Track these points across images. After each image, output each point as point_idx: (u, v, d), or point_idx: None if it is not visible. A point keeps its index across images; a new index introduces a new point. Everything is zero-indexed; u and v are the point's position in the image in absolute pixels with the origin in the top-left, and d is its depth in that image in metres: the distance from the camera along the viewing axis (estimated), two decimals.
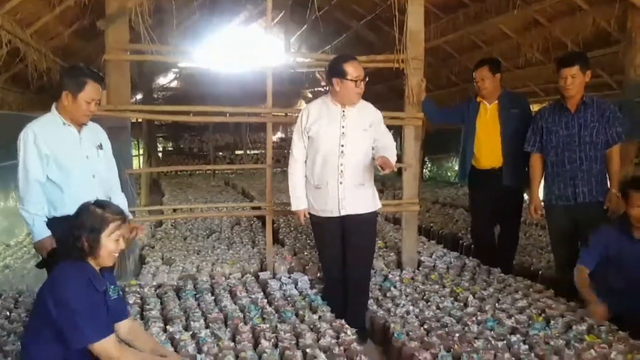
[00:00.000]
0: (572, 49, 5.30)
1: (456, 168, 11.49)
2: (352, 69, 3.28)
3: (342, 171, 3.35)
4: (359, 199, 3.40)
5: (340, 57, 3.42)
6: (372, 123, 3.42)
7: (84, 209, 2.23)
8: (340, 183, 3.35)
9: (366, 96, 3.54)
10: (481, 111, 4.38)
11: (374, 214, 3.54)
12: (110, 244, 2.21)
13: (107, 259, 2.24)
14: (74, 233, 2.16)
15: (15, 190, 5.83)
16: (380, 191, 8.16)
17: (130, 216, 3.18)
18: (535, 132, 3.86)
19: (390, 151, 3.39)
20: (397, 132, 5.26)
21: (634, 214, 3.23)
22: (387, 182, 10.27)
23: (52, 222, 2.84)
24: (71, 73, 2.86)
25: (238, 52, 5.80)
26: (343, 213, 3.38)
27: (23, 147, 2.79)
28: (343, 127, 3.35)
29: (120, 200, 3.10)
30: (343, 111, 3.37)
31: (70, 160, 2.88)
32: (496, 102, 4.32)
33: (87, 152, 2.96)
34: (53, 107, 2.90)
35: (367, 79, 3.34)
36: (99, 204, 2.30)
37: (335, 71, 3.32)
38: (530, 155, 3.93)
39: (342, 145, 3.34)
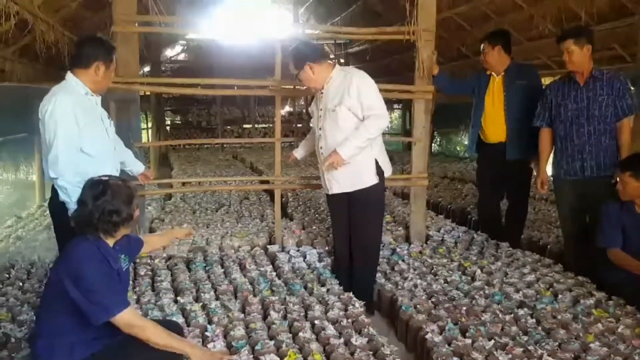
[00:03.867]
0: (586, 21, 5.20)
1: (465, 142, 11.42)
2: None
3: (322, 153, 3.41)
4: (344, 178, 3.35)
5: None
6: (343, 96, 3.23)
7: (107, 183, 2.22)
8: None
9: (374, 68, 3.51)
10: (490, 83, 4.33)
11: (375, 189, 3.40)
12: (136, 212, 2.30)
13: (130, 228, 2.33)
14: (107, 208, 2.16)
15: (25, 163, 5.91)
16: None
17: (142, 168, 3.44)
18: (544, 106, 3.81)
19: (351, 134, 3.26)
20: (406, 105, 5.21)
21: (622, 191, 3.29)
22: (395, 156, 10.23)
23: None
24: (102, 44, 2.82)
25: (246, 24, 5.72)
26: (330, 192, 3.47)
27: (60, 116, 2.63)
28: (321, 109, 3.40)
29: (129, 156, 3.32)
30: (322, 92, 3.40)
31: (98, 131, 2.84)
32: (503, 74, 4.27)
33: (105, 124, 2.95)
34: (71, 77, 2.78)
35: (295, 78, 3.44)
36: (114, 177, 2.35)
37: None
38: (537, 129, 3.90)
39: (320, 128, 3.40)
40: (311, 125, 3.70)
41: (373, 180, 3.38)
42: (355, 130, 3.24)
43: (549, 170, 4.00)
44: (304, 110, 14.15)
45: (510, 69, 4.26)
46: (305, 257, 4.02)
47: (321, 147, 3.41)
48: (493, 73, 4.32)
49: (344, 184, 3.38)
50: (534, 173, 4.39)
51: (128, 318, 2.11)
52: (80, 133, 2.69)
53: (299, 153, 3.97)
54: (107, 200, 2.18)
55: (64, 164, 2.63)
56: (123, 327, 2.11)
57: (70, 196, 2.65)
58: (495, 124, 4.30)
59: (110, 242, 2.24)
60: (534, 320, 2.90)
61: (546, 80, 4.82)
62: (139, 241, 2.67)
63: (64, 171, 2.64)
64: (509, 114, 4.21)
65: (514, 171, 4.30)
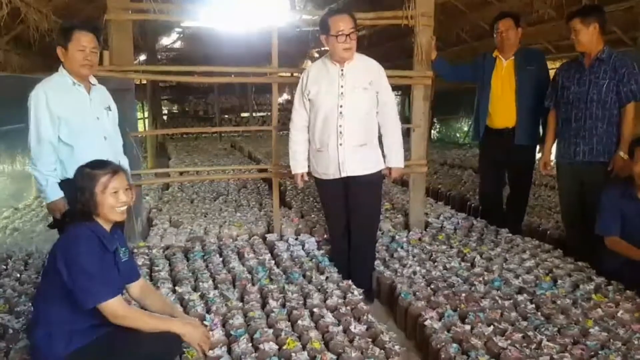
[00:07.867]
0: (586, 4, 5.14)
1: (465, 129, 11.38)
2: (334, 23, 3.17)
3: (341, 132, 3.27)
4: (361, 160, 3.32)
5: (326, 13, 3.34)
6: (374, 80, 3.30)
7: (77, 171, 2.25)
8: (340, 144, 3.28)
9: (373, 54, 3.46)
10: (497, 67, 4.26)
11: (378, 175, 3.45)
12: (107, 198, 2.19)
13: (113, 214, 2.22)
14: (76, 196, 2.20)
15: (22, 154, 5.87)
16: None
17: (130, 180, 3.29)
18: (553, 87, 3.78)
19: (389, 131, 3.39)
20: (405, 92, 5.16)
21: (637, 171, 3.15)
22: None
23: (64, 184, 2.84)
24: (59, 29, 2.91)
25: (243, 11, 5.66)
26: (344, 175, 3.33)
27: (34, 108, 2.77)
28: (342, 86, 3.26)
29: (124, 162, 3.14)
30: (342, 70, 3.27)
31: (81, 121, 2.87)
32: (512, 58, 4.20)
33: (97, 114, 2.96)
34: (60, 69, 2.89)
35: (356, 32, 3.19)
36: (91, 164, 2.27)
37: (321, 28, 3.27)
38: (545, 114, 3.88)
39: (341, 106, 3.25)
40: (297, 110, 3.43)
41: (382, 165, 3.44)
42: (392, 135, 3.41)
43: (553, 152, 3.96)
44: None
45: (520, 53, 4.21)
46: (303, 245, 4.01)
47: (340, 126, 3.27)
48: (500, 56, 4.25)
49: (359, 166, 3.32)
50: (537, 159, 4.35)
51: (114, 307, 2.10)
52: (55, 124, 2.79)
53: (304, 167, 3.51)
54: (76, 188, 2.20)
55: (35, 154, 2.79)
56: (108, 315, 2.10)
57: (40, 183, 2.80)
58: (503, 109, 4.22)
59: (104, 224, 2.23)
60: (533, 305, 2.90)
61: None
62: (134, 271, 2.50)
63: (35, 160, 2.80)
64: (520, 99, 4.14)
65: (519, 157, 4.25)
